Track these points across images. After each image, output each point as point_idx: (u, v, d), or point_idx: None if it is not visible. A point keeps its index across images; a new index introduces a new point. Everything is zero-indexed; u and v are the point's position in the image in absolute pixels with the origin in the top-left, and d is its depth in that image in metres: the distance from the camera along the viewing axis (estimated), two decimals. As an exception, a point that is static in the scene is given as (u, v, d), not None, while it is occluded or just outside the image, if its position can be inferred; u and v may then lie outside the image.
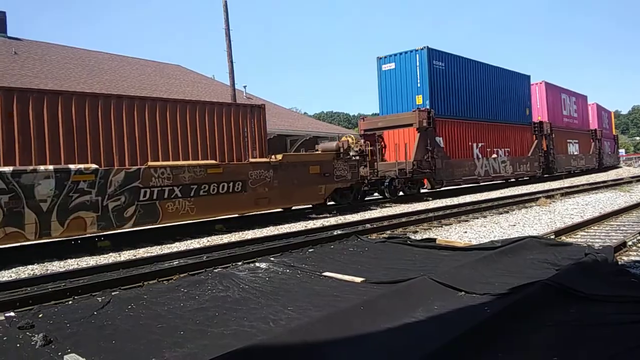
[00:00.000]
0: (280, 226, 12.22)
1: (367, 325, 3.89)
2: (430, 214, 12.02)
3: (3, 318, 4.82)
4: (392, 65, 20.92)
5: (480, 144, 22.90)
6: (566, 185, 22.22)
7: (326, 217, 13.84)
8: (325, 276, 5.96)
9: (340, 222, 11.84)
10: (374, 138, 18.97)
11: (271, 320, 4.39)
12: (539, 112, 30.04)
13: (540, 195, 16.09)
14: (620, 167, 47.19)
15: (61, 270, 7.60)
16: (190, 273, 6.55)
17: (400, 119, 19.47)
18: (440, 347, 3.38)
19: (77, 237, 9.78)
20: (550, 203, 14.45)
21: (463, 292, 4.75)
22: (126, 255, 8.99)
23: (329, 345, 3.56)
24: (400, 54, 20.75)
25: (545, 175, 28.81)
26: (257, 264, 6.77)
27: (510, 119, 25.73)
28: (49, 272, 7.55)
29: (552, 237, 7.84)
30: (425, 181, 19.90)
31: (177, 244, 10.16)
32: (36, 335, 4.07)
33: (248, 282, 5.78)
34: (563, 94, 33.52)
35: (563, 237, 8.13)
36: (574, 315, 4.03)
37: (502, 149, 24.62)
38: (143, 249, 9.64)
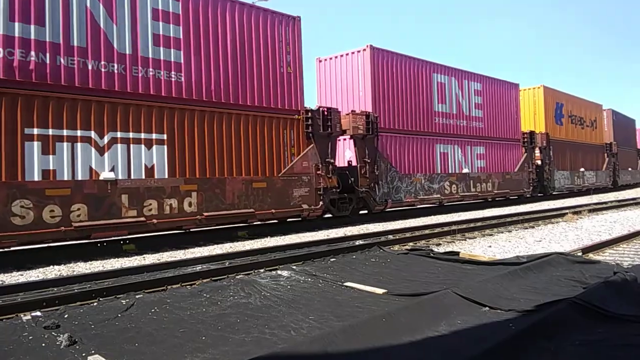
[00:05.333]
0: (302, 234, 12.24)
1: (389, 337, 3.86)
2: (454, 227, 11.92)
3: (29, 317, 4.91)
4: None
5: None
6: (594, 201, 21.77)
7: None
8: (347, 286, 5.94)
9: (362, 232, 11.80)
10: None
11: (292, 328, 4.38)
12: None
13: (567, 211, 15.79)
14: None
15: (87, 271, 7.74)
16: (212, 278, 6.59)
17: None
18: (464, 362, 3.33)
19: (102, 239, 9.96)
20: (577, 219, 14.17)
21: (487, 308, 4.67)
22: (150, 259, 9.11)
23: (350, 356, 3.53)
24: None
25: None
26: (279, 272, 6.78)
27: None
28: (75, 273, 7.69)
29: (579, 254, 7.67)
30: None
31: (199, 249, 10.26)
32: (61, 336, 4.13)
33: (270, 289, 5.79)
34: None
35: (590, 255, 7.95)
36: (601, 335, 3.92)
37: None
38: (167, 253, 9.76)
